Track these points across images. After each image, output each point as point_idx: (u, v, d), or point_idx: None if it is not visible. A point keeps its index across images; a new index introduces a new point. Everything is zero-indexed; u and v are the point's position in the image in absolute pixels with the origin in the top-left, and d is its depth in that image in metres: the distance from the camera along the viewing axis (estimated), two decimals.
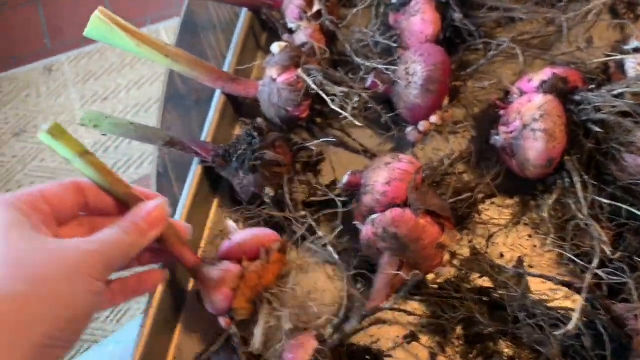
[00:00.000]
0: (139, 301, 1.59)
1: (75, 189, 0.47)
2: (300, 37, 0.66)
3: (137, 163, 1.86)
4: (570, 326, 0.47)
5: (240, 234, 0.55)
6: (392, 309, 0.52)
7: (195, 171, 0.60)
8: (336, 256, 0.52)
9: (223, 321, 0.52)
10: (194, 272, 0.53)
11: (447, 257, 0.54)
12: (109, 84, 2.03)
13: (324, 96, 0.57)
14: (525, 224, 0.61)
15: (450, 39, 0.66)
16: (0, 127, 1.95)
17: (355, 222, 0.57)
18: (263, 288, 0.53)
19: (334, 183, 0.63)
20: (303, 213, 0.58)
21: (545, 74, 0.59)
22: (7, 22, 2.15)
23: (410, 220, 0.52)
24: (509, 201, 0.62)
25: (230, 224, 0.57)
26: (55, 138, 0.47)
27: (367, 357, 0.52)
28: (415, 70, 0.59)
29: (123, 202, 0.50)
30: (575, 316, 0.47)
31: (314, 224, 0.53)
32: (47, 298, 0.37)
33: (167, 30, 2.15)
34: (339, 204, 0.58)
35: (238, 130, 0.67)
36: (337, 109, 0.56)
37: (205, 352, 0.54)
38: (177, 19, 2.28)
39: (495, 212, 0.61)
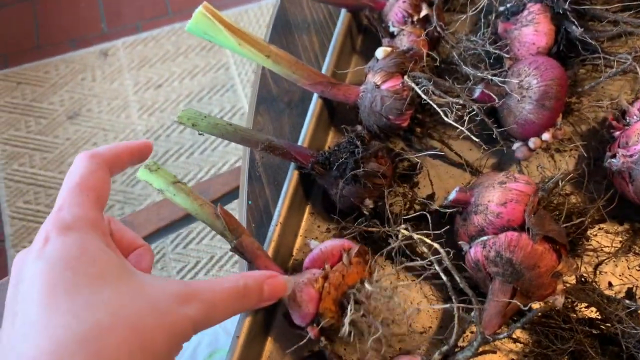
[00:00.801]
0: None
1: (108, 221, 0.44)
2: (403, 42, 0.63)
3: (188, 152, 1.87)
4: None
5: (323, 243, 0.54)
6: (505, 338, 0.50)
7: (290, 177, 0.58)
8: (444, 277, 0.49)
9: (311, 332, 0.50)
10: None
11: (561, 286, 0.51)
12: (163, 71, 2.03)
13: (436, 107, 0.54)
14: (636, 253, 0.58)
15: (561, 52, 0.63)
16: (55, 109, 1.97)
17: (460, 242, 0.54)
18: (348, 287, 0.51)
19: (432, 196, 0.60)
20: (404, 226, 0.55)
21: None
22: (65, 5, 2.17)
23: (527, 246, 0.49)
24: (618, 227, 0.59)
25: (313, 242, 0.56)
26: (151, 172, 0.52)
27: None
28: (530, 84, 0.56)
29: (211, 225, 0.53)
30: None
31: (424, 238, 0.50)
32: None
33: None
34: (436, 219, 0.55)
35: (332, 136, 0.64)
36: (451, 121, 0.53)
37: None
38: (233, 10, 2.26)
39: (604, 238, 0.58)
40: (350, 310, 0.49)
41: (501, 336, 0.47)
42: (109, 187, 0.40)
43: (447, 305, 0.47)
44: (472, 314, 0.45)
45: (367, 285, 0.51)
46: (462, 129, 0.52)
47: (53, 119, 1.95)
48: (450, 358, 0.47)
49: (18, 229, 1.77)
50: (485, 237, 0.51)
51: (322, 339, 0.51)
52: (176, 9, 2.16)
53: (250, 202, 0.62)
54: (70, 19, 2.15)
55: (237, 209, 0.64)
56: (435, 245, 0.46)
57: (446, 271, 0.51)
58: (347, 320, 0.49)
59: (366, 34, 0.70)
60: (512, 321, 0.54)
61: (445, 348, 0.47)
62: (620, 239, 0.58)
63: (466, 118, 0.54)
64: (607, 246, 0.57)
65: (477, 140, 0.53)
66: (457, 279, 0.45)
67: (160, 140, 1.90)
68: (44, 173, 1.86)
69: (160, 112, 1.94)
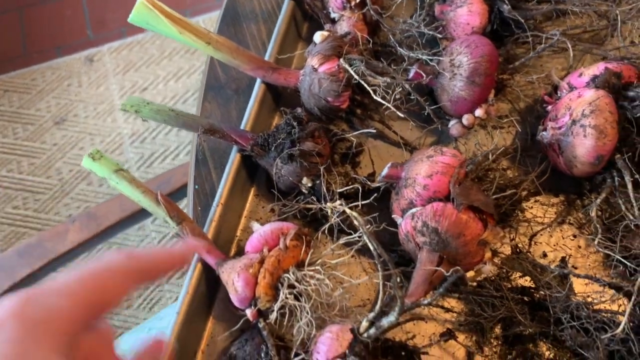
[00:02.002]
0: (171, 290, 1.62)
1: None
2: (343, 27, 0.65)
3: (173, 154, 1.89)
4: (619, 330, 0.45)
5: (262, 227, 0.55)
6: (430, 305, 0.51)
7: (233, 159, 0.60)
8: (372, 247, 0.50)
9: (250, 314, 0.52)
10: (219, 267, 0.54)
11: (488, 254, 0.52)
12: (148, 75, 2.05)
13: (366, 86, 0.56)
14: (570, 224, 0.59)
15: (496, 32, 0.64)
16: (42, 115, 1.99)
17: (393, 216, 0.56)
18: (283, 271, 0.53)
19: (372, 175, 0.62)
20: (339, 202, 0.56)
21: (598, 68, 0.57)
22: (51, 13, 2.20)
23: (452, 215, 0.50)
24: (553, 199, 0.60)
25: (255, 224, 0.57)
26: (94, 160, 0.56)
27: (402, 353, 0.51)
28: (460, 62, 0.58)
29: (154, 212, 0.56)
30: (624, 319, 0.45)
31: (353, 213, 0.52)
32: None
33: (205, 23, 2.16)
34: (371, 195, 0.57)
35: (277, 120, 0.66)
36: (379, 99, 0.54)
37: (234, 341, 0.54)
38: (217, 12, 2.29)
39: (539, 210, 0.60)
40: (283, 295, 0.51)
41: (425, 302, 0.48)
42: None
43: (366, 278, 0.48)
44: (392, 280, 0.46)
45: (299, 270, 0.52)
46: (389, 105, 0.54)
47: (40, 125, 1.98)
48: (376, 324, 0.48)
49: (7, 234, 1.79)
50: (414, 209, 0.53)
51: (261, 320, 0.52)
52: None
53: (197, 187, 0.63)
54: (56, 27, 2.18)
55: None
56: (354, 214, 0.47)
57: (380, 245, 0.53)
58: (276, 306, 0.51)
59: (312, 21, 0.72)
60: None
61: (372, 315, 0.48)
62: (556, 210, 0.60)
63: (396, 96, 0.56)
64: (541, 217, 0.58)
65: (402, 115, 0.55)
66: (374, 246, 0.47)
67: (146, 143, 1.92)
68: (32, 178, 1.89)
69: None
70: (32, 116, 1.99)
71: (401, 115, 0.54)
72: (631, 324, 0.48)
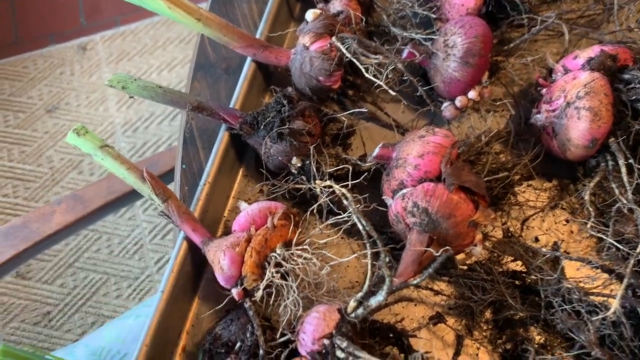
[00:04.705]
0: (159, 280, 1.60)
1: None
2: (336, 6, 0.64)
3: (166, 143, 1.87)
4: (610, 312, 0.44)
5: (250, 206, 0.54)
6: (419, 287, 0.50)
7: (221, 138, 0.58)
8: (361, 226, 0.49)
9: (235, 293, 0.51)
10: (205, 246, 0.53)
11: (479, 236, 0.51)
12: (141, 64, 2.03)
13: (358, 65, 0.55)
14: (563, 208, 0.58)
15: (492, 14, 0.63)
16: (34, 103, 1.97)
17: (384, 197, 0.55)
18: (270, 250, 0.51)
19: (363, 156, 0.61)
20: (328, 183, 0.55)
21: (593, 50, 0.56)
22: (44, 1, 2.18)
23: (443, 195, 0.49)
24: (546, 184, 0.59)
25: (243, 204, 0.56)
26: (79, 136, 0.55)
27: (390, 335, 0.50)
28: (454, 42, 0.57)
29: (139, 189, 0.55)
30: (616, 302, 0.45)
31: (345, 192, 0.50)
32: None
33: None
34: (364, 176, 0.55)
35: (267, 100, 0.65)
36: (371, 77, 0.53)
37: (220, 321, 0.53)
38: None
39: (532, 194, 0.59)
40: (269, 273, 0.50)
41: (413, 282, 0.47)
42: None
43: (354, 256, 0.47)
44: (380, 257, 0.45)
45: (285, 249, 0.51)
46: (381, 83, 0.52)
47: (32, 113, 1.96)
48: (364, 304, 0.47)
49: None
50: (405, 190, 0.52)
51: (247, 299, 0.51)
52: None
53: (184, 166, 0.62)
54: (49, 14, 2.16)
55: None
56: (343, 191, 0.46)
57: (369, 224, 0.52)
58: (262, 285, 0.50)
59: (305, 1, 0.71)
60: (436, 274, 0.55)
61: (360, 295, 0.47)
62: (549, 194, 0.59)
63: (388, 76, 0.55)
64: (533, 201, 0.58)
65: (394, 94, 0.54)
66: (362, 224, 0.46)
67: (138, 132, 1.91)
68: (22, 166, 1.87)
69: (138, 104, 1.95)
70: (24, 104, 1.97)
71: (393, 94, 0.53)
72: (623, 308, 0.48)
